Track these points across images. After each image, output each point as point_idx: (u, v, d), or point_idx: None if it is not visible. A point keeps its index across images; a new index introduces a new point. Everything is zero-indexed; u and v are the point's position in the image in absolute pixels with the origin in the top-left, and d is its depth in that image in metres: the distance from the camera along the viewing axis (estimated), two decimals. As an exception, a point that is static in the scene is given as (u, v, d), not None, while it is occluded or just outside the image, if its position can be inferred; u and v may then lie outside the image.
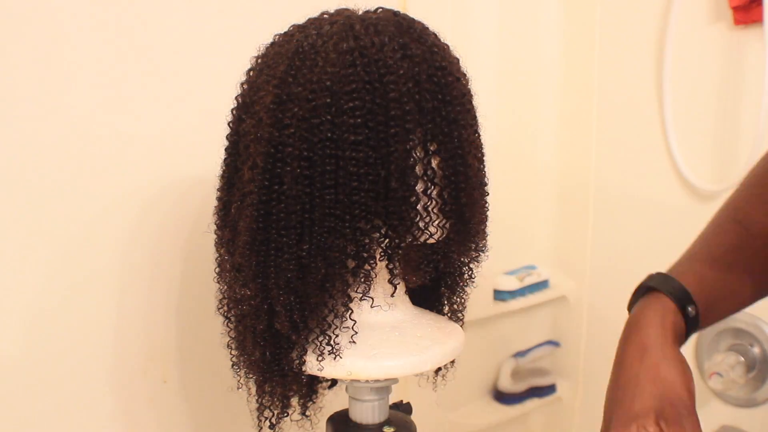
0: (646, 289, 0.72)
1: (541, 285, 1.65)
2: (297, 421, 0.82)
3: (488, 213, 0.76)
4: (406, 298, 0.80)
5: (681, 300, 0.69)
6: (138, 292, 0.96)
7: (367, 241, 0.67)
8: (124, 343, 0.95)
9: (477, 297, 0.86)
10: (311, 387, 0.82)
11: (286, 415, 0.78)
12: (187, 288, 1.01)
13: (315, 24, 0.69)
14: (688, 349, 1.52)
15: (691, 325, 0.69)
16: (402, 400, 0.87)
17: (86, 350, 0.92)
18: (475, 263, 0.81)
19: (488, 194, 0.75)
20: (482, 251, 0.78)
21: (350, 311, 0.72)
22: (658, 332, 0.67)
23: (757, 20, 1.34)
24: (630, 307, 0.75)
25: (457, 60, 0.72)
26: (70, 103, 0.87)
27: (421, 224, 0.69)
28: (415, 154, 0.67)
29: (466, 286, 0.83)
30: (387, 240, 0.68)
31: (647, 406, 0.63)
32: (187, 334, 1.02)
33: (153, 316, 0.98)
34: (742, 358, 1.43)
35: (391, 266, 0.71)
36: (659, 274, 0.72)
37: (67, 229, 0.89)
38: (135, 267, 0.95)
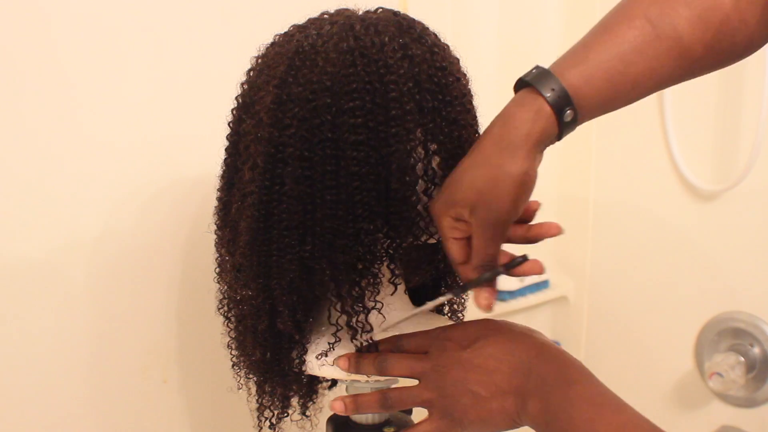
0: (523, 84, 0.66)
1: (542, 285, 1.65)
2: (297, 421, 0.82)
3: None
4: (406, 298, 0.79)
5: (559, 104, 0.63)
6: (138, 292, 0.96)
7: (369, 241, 0.67)
8: (123, 344, 0.95)
9: (477, 297, 0.86)
10: (311, 387, 0.82)
11: (286, 415, 0.78)
12: (187, 288, 1.01)
13: (315, 24, 0.69)
14: (687, 349, 1.53)
15: (565, 126, 0.64)
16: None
17: (85, 350, 0.92)
18: None
19: None
20: None
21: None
22: (522, 135, 0.62)
23: (758, 20, 1.33)
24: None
25: (458, 60, 0.72)
26: (69, 104, 0.87)
27: (421, 224, 0.68)
28: (416, 154, 0.67)
29: None
30: (388, 240, 0.68)
31: (467, 198, 0.63)
32: (187, 334, 1.02)
33: (152, 316, 0.98)
34: (743, 359, 1.43)
35: (392, 266, 0.71)
36: (539, 70, 0.65)
37: (67, 229, 0.89)
38: (135, 267, 0.96)
